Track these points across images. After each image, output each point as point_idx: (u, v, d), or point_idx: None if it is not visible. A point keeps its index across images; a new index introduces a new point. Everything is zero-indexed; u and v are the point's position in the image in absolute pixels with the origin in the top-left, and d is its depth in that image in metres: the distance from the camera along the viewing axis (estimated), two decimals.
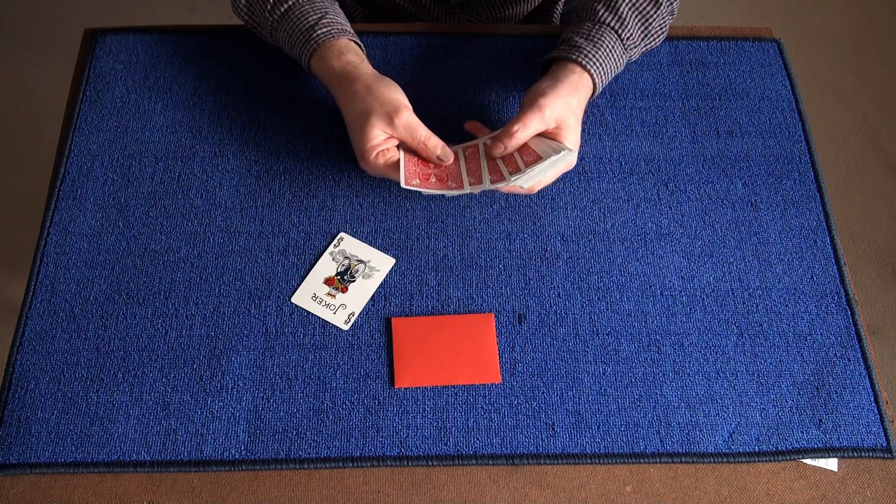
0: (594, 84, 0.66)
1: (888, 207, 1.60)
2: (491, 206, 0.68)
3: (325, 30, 0.66)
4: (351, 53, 0.66)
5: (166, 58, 0.75)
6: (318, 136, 0.70)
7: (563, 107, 0.63)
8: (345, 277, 0.63)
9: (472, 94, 0.74)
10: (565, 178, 0.69)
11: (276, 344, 0.61)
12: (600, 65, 0.65)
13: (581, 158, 0.70)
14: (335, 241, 0.65)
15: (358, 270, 0.64)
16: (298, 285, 0.63)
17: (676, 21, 0.73)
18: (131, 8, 1.81)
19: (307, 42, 0.65)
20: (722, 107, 0.74)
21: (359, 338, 0.61)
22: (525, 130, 0.61)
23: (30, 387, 0.58)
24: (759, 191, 0.69)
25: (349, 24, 0.69)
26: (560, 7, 0.91)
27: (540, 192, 0.68)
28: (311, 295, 0.62)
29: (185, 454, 0.56)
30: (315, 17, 0.66)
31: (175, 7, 1.81)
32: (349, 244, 0.65)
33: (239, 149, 0.70)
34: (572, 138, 0.64)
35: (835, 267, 0.66)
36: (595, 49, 0.65)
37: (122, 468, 0.56)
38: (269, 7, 0.67)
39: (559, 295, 0.64)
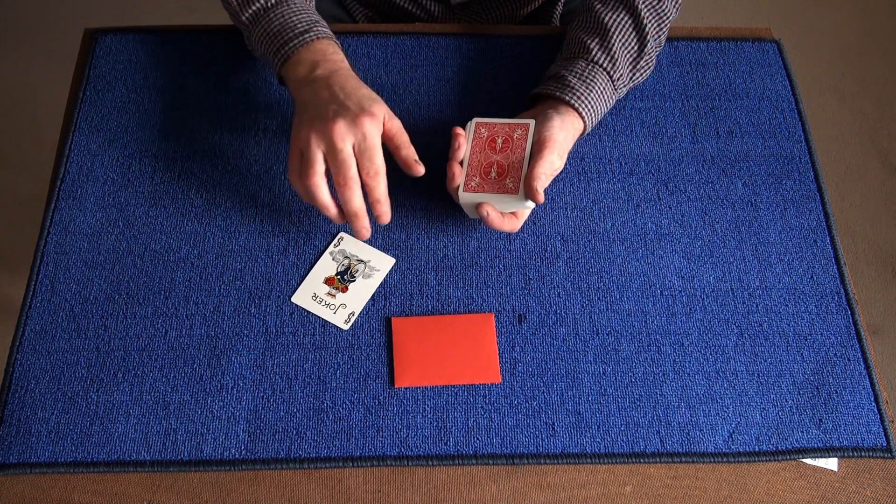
0: (584, 130, 0.67)
1: (888, 207, 1.60)
2: None
3: (325, 29, 0.66)
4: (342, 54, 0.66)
5: (166, 58, 0.75)
6: None
7: (564, 153, 0.65)
8: (345, 277, 0.63)
9: (472, 95, 0.74)
10: (565, 177, 0.69)
11: (276, 344, 0.61)
12: (593, 109, 0.66)
13: (581, 158, 0.71)
14: (335, 241, 0.65)
15: (358, 270, 0.63)
16: (298, 285, 0.63)
17: (676, 21, 0.73)
18: (131, 8, 1.81)
19: (306, 32, 0.64)
20: (722, 107, 0.74)
21: (359, 338, 0.61)
22: (549, 173, 0.63)
23: (30, 387, 0.58)
24: (759, 191, 0.70)
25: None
26: (560, 7, 0.91)
27: None
28: (311, 294, 0.62)
29: (185, 454, 0.56)
30: (316, 17, 0.67)
31: (175, 7, 1.81)
32: (349, 244, 0.65)
33: (239, 148, 0.70)
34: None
35: (835, 267, 0.66)
36: (588, 92, 0.65)
37: (122, 468, 0.56)
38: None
39: (559, 295, 0.64)
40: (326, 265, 0.64)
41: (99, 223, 0.65)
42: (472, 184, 0.62)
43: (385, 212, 0.61)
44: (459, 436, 0.58)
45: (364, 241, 0.65)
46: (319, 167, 0.59)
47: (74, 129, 0.70)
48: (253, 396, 0.59)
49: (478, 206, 0.62)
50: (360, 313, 0.62)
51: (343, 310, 0.62)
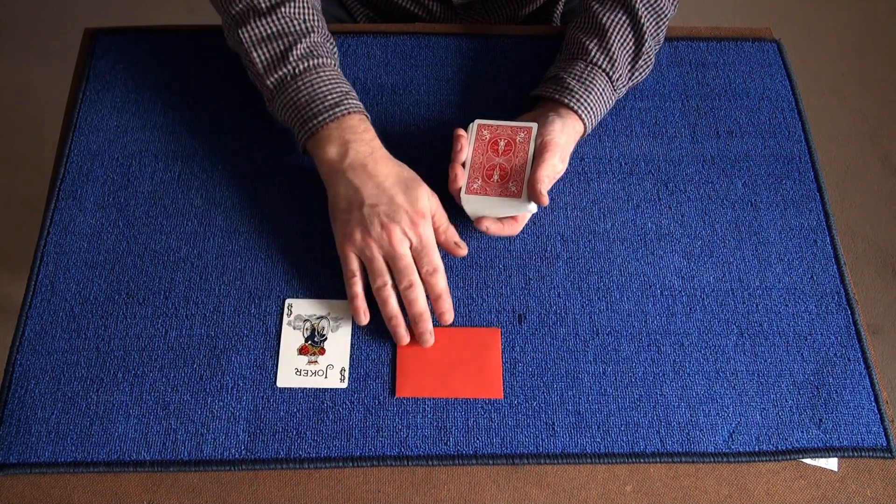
0: (584, 131, 0.67)
1: (888, 207, 1.60)
2: None
3: (356, 101, 0.63)
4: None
5: (166, 58, 0.75)
6: None
7: (566, 156, 0.65)
8: (315, 340, 0.61)
9: (473, 95, 0.74)
10: (565, 178, 0.69)
11: (275, 343, 0.61)
12: (593, 111, 0.66)
13: (581, 159, 0.71)
14: (286, 311, 0.62)
15: (324, 327, 0.61)
16: (277, 365, 0.60)
17: (676, 21, 0.73)
18: (131, 8, 1.81)
19: (337, 106, 0.62)
20: (722, 107, 0.74)
21: (359, 338, 0.61)
22: (552, 175, 0.63)
23: (30, 387, 0.58)
24: (759, 191, 0.69)
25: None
26: (560, 7, 0.91)
27: None
28: (293, 371, 0.59)
29: (185, 454, 0.56)
30: (346, 87, 0.64)
31: (175, 7, 1.81)
32: (300, 307, 0.62)
33: (239, 149, 0.70)
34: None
35: (835, 267, 0.66)
36: (587, 94, 0.65)
37: (122, 468, 0.56)
38: (294, 57, 0.62)
39: (559, 295, 0.64)
40: (291, 337, 0.61)
41: (99, 223, 0.65)
42: (475, 186, 0.62)
43: (448, 309, 0.60)
44: (459, 436, 0.58)
45: (313, 297, 0.62)
46: (388, 277, 0.59)
47: (74, 129, 0.70)
48: (253, 396, 0.59)
49: (476, 221, 0.62)
50: (349, 365, 0.60)
51: (332, 370, 0.60)
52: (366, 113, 0.64)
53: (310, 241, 0.65)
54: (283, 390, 0.59)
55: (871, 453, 0.58)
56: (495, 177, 0.62)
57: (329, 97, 0.62)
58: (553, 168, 0.62)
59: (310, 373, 0.60)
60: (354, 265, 0.60)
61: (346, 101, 0.62)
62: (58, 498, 0.56)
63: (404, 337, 0.60)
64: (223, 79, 0.73)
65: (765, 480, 0.58)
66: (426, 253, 0.60)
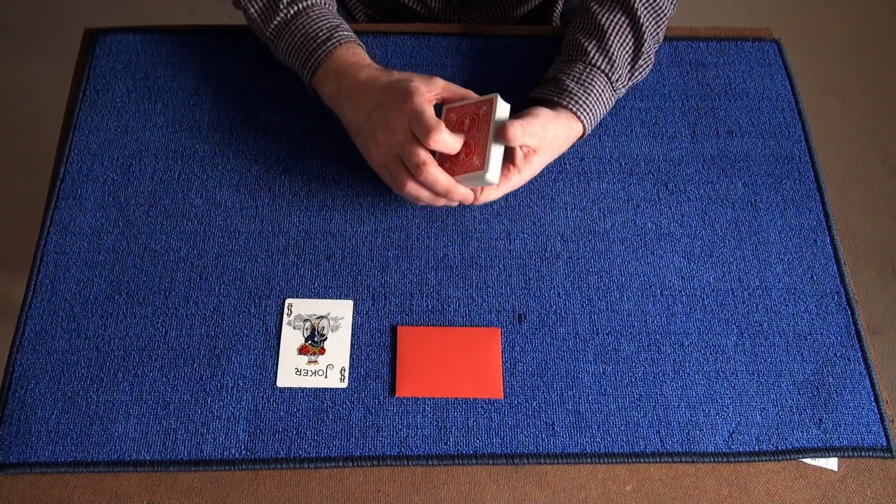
0: (583, 132, 0.67)
1: (888, 207, 1.60)
2: (491, 205, 0.68)
3: (346, 33, 0.67)
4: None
5: (166, 58, 0.75)
6: (319, 136, 0.71)
7: (553, 138, 0.63)
8: (315, 340, 0.61)
9: None
10: (565, 178, 0.69)
11: (275, 343, 0.61)
12: (591, 113, 0.65)
13: (581, 158, 0.71)
14: (286, 311, 0.62)
15: (324, 327, 0.61)
16: (277, 365, 0.60)
17: (676, 21, 0.73)
18: (131, 8, 1.81)
19: (327, 41, 0.65)
20: (722, 107, 0.74)
21: (359, 338, 0.61)
22: (527, 131, 0.60)
23: (30, 386, 0.58)
24: (759, 191, 0.70)
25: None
26: (560, 6, 0.91)
27: (540, 192, 0.68)
28: (293, 371, 0.60)
29: (185, 454, 0.56)
30: (336, 21, 0.67)
31: (175, 7, 1.81)
32: (300, 306, 0.62)
33: (239, 148, 0.70)
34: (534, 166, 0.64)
35: (835, 267, 0.66)
36: (587, 96, 0.65)
37: (122, 468, 0.56)
38: (283, 4, 0.67)
39: (559, 295, 0.64)
40: (291, 337, 0.61)
41: (99, 223, 0.65)
42: (443, 168, 0.62)
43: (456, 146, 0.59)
44: (459, 436, 0.58)
45: (313, 297, 0.62)
46: (407, 173, 0.60)
47: (74, 129, 0.70)
48: (253, 396, 0.59)
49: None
50: (349, 365, 0.60)
51: (332, 370, 0.60)
52: (358, 42, 0.67)
53: (310, 241, 0.65)
54: (283, 390, 0.59)
55: (871, 453, 0.58)
56: (461, 155, 0.61)
57: (320, 35, 0.65)
58: (522, 127, 0.59)
59: (310, 373, 0.60)
60: (389, 178, 0.62)
61: (335, 35, 0.65)
62: (58, 498, 0.56)
63: (467, 194, 0.61)
64: (223, 79, 0.73)
65: (765, 480, 0.58)
66: (417, 122, 0.57)
